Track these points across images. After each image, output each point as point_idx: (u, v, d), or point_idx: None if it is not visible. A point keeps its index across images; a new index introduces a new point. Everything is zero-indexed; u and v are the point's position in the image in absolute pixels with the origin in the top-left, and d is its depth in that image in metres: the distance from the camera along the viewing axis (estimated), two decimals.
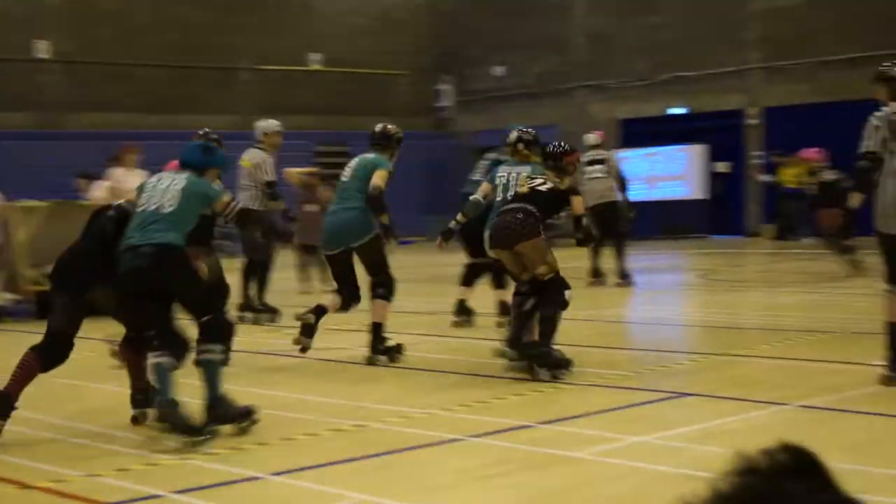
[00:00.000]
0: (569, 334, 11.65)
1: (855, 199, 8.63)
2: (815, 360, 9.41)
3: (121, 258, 7.16)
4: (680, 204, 30.61)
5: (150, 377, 7.28)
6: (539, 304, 9.23)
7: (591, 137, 17.66)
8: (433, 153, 35.41)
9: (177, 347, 7.07)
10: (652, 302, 15.94)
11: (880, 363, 8.56)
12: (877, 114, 8.55)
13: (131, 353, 7.75)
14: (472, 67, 36.48)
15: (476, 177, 12.59)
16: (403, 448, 6.72)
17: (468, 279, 12.83)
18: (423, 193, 34.64)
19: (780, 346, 10.30)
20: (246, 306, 13.90)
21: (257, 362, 10.57)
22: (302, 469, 6.29)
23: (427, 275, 21.42)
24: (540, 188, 9.39)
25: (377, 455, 6.58)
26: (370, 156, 10.50)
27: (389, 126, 10.98)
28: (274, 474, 6.21)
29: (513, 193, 9.88)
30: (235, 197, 9.06)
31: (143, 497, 5.83)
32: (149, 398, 7.53)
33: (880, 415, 7.18)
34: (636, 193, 26.92)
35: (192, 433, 6.87)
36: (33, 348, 7.33)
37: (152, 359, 7.10)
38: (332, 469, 6.31)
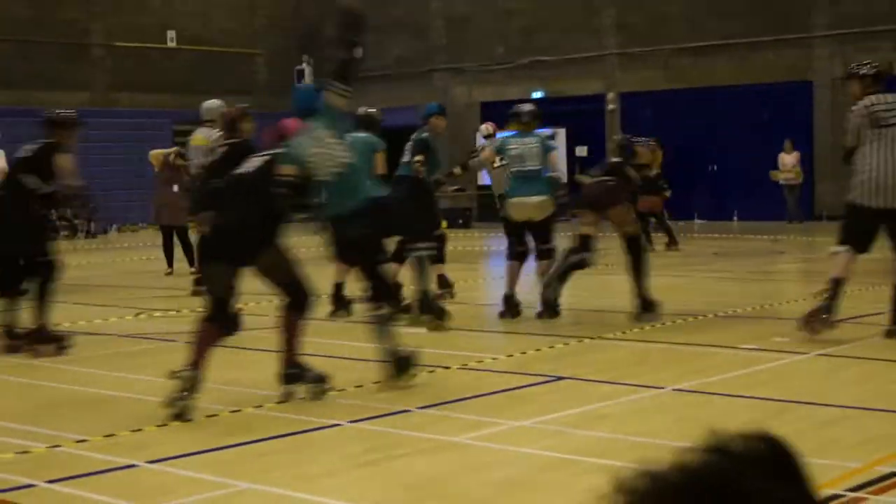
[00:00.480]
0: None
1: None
2: (686, 344, 9.51)
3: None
4: None
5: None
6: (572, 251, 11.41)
7: (485, 128, 17.48)
8: None
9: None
10: (523, 284, 15.97)
11: (750, 347, 8.73)
12: (854, 108, 10.03)
13: (291, 319, 7.82)
14: (331, 48, 36.24)
15: (405, 158, 12.56)
16: (282, 434, 6.60)
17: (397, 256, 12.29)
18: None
19: (651, 329, 10.40)
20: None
21: (122, 347, 10.31)
22: (178, 456, 6.13)
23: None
24: (623, 167, 11.53)
25: (255, 441, 6.45)
26: None
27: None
28: (149, 462, 6.04)
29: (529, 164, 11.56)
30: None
31: (15, 487, 5.61)
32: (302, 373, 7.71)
33: (750, 398, 7.28)
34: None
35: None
36: (209, 319, 7.40)
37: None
38: (209, 456, 6.16)
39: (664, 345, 9.51)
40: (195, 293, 13.17)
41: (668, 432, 6.29)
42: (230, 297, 7.45)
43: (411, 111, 34.52)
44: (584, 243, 11.41)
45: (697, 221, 28.34)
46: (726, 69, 29.04)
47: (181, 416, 6.98)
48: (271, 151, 7.97)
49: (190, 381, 7.08)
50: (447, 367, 8.59)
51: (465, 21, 33.40)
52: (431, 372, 8.43)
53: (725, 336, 9.84)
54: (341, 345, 9.85)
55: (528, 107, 12.34)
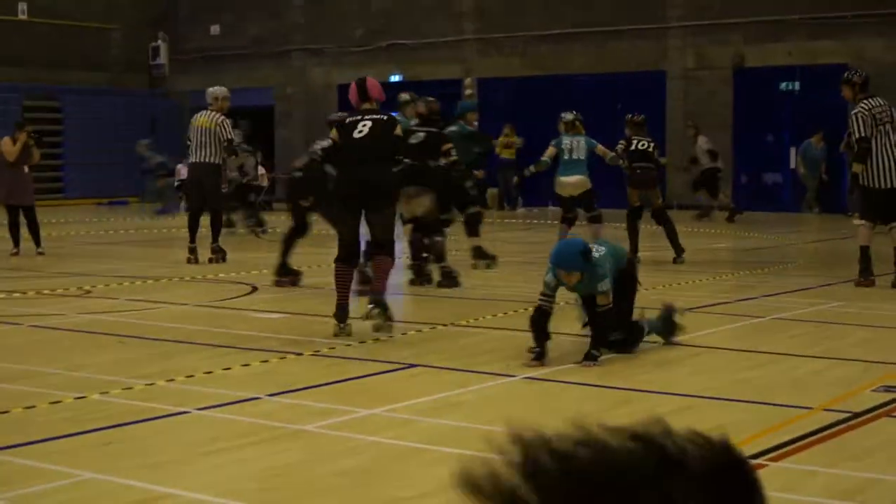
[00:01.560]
0: (292, 304, 11.56)
1: (857, 168, 12.69)
2: None
3: None
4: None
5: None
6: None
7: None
8: (147, 111, 34.49)
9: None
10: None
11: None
12: (857, 109, 12.68)
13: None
14: (187, 26, 35.66)
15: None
16: (127, 422, 6.46)
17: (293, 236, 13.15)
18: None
19: (504, 317, 10.45)
20: None
21: None
22: (20, 445, 5.96)
23: (145, 237, 20.83)
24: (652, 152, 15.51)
25: (100, 429, 6.31)
26: None
27: None
28: None
29: (576, 156, 15.07)
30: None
31: None
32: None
33: (599, 386, 7.36)
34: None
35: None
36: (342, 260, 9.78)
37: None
38: (52, 444, 6.00)
39: (515, 332, 9.55)
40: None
41: (519, 421, 6.30)
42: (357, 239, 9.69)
43: (268, 92, 34.27)
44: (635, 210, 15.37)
45: (551, 208, 28.61)
46: (583, 57, 29.38)
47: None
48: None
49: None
50: (299, 354, 8.52)
51: (324, 1, 33.18)
52: (282, 358, 8.35)
53: (576, 325, 9.92)
54: (203, 329, 9.71)
55: (571, 115, 15.62)
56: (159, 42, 35.32)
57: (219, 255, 15.74)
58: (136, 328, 9.92)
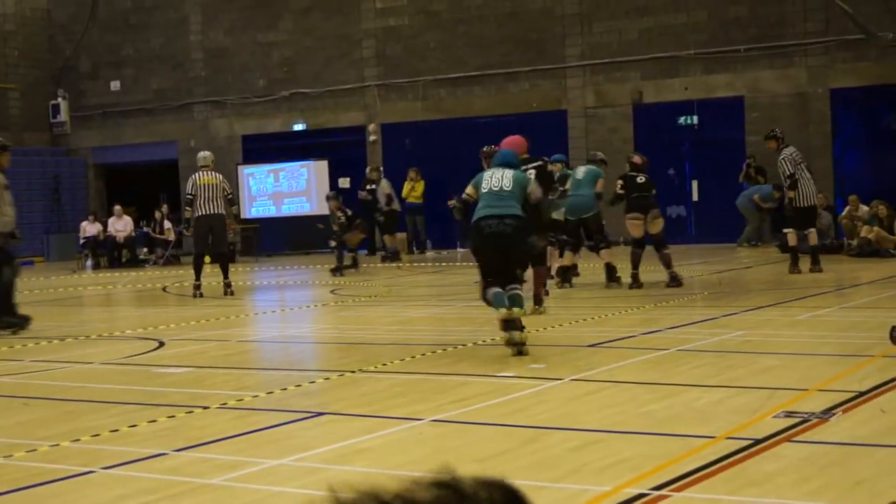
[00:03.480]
0: (199, 357, 11.49)
1: (791, 194, 18.30)
2: (445, 374, 9.62)
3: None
4: (306, 219, 30.76)
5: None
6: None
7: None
8: (50, 170, 34.12)
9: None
10: (283, 319, 15.93)
11: (508, 374, 8.91)
12: (785, 155, 18.19)
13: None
14: (87, 81, 35.39)
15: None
16: (30, 484, 6.37)
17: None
18: (43, 212, 33.33)
19: (412, 361, 10.47)
20: None
21: None
22: None
23: (51, 297, 20.56)
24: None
25: (4, 493, 6.21)
26: None
27: None
28: None
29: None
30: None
31: None
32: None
33: (506, 426, 7.40)
34: (263, 210, 26.93)
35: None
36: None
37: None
38: None
39: (424, 375, 9.59)
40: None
41: (425, 463, 6.33)
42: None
43: (172, 146, 34.11)
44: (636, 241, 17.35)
45: (460, 250, 28.73)
46: (484, 100, 29.64)
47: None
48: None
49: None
50: (206, 407, 8.45)
51: (225, 53, 33.14)
52: (189, 412, 8.28)
53: (485, 365, 9.99)
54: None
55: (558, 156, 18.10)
56: (59, 99, 35.01)
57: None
58: (42, 389, 9.79)
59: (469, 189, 11.65)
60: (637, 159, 17.91)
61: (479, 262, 11.27)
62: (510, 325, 10.58)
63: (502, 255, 10.90)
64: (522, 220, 10.99)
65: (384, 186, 27.84)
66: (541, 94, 29.14)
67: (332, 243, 23.08)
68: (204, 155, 19.37)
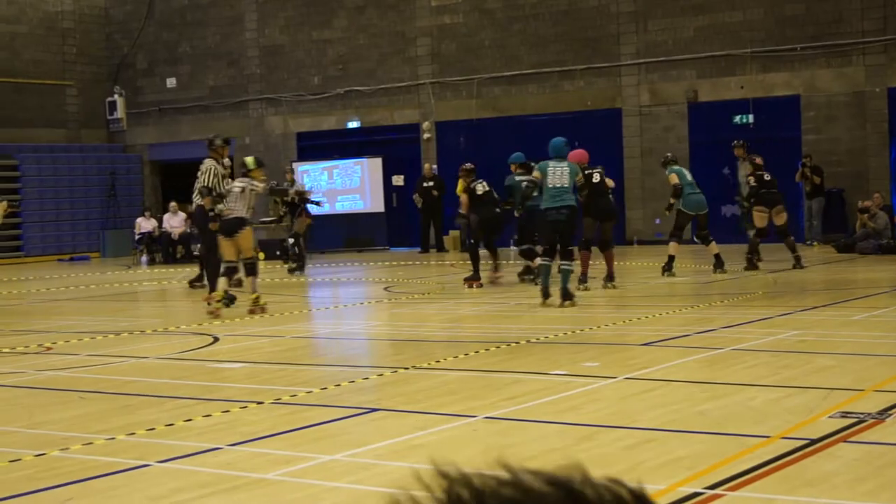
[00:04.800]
0: (253, 352, 11.57)
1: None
2: (498, 371, 9.62)
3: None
4: (360, 217, 30.86)
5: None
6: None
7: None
8: (106, 166, 34.43)
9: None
10: (337, 316, 15.99)
11: (561, 372, 8.92)
12: (754, 164, 20.05)
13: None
14: (144, 78, 35.66)
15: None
16: (87, 477, 6.44)
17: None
18: (99, 208, 33.64)
19: (464, 358, 10.48)
20: None
21: None
22: None
23: (106, 292, 20.75)
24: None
25: (60, 486, 6.28)
26: None
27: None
28: None
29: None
30: None
31: None
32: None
33: (560, 423, 7.39)
34: (317, 207, 27.00)
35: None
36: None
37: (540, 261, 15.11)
38: (11, 502, 5.97)
39: (478, 373, 9.59)
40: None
41: (479, 461, 6.32)
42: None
43: (231, 143, 34.25)
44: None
45: (513, 248, 28.65)
46: (538, 98, 29.58)
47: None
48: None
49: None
50: (260, 403, 8.50)
51: (280, 50, 33.29)
52: (244, 408, 8.33)
53: (537, 362, 9.98)
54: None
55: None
56: (116, 96, 35.30)
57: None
58: (97, 383, 9.89)
59: (535, 173, 15.41)
60: (759, 160, 20.08)
61: (543, 242, 15.42)
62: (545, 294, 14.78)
63: (561, 237, 14.84)
64: (575, 209, 15.09)
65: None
66: (595, 93, 29.05)
67: (290, 240, 23.27)
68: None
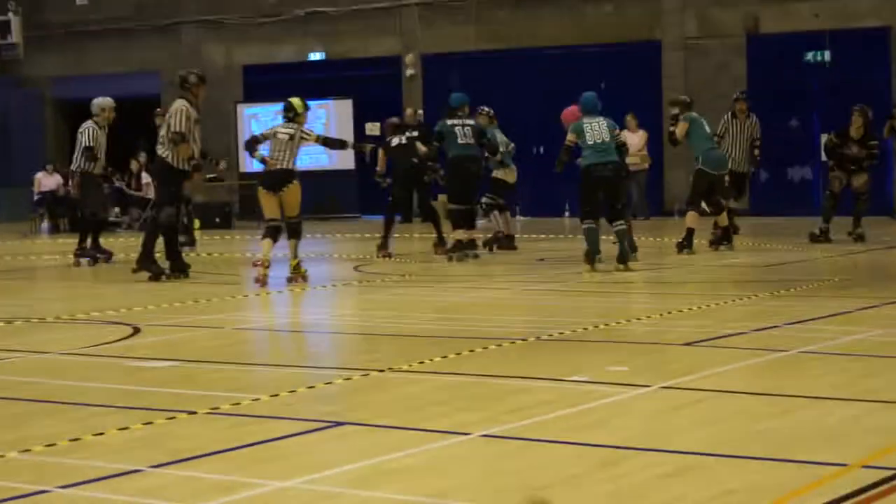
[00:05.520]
0: (185, 348, 11.55)
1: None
2: (500, 376, 9.60)
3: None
4: (324, 176, 30.76)
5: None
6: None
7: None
8: None
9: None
10: (292, 302, 15.97)
11: (580, 379, 8.88)
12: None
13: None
14: None
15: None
16: None
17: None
18: None
19: (457, 358, 10.46)
20: None
21: None
22: None
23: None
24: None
25: None
26: None
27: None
28: None
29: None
30: None
31: None
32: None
33: (577, 444, 7.38)
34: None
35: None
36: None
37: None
38: None
39: (473, 378, 9.58)
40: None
41: (475, 490, 6.33)
42: None
43: (153, 77, 34.20)
44: None
45: (520, 218, 28.72)
46: (554, 26, 29.53)
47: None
48: None
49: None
50: (192, 413, 8.48)
51: None
52: (171, 418, 8.31)
53: (550, 365, 9.96)
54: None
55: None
56: (9, 15, 35.17)
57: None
58: None
59: (570, 136, 17.65)
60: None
61: (586, 200, 17.65)
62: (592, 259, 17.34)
63: (607, 194, 17.54)
64: (620, 166, 17.93)
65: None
66: (627, 20, 29.03)
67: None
68: (96, 101, 21.02)
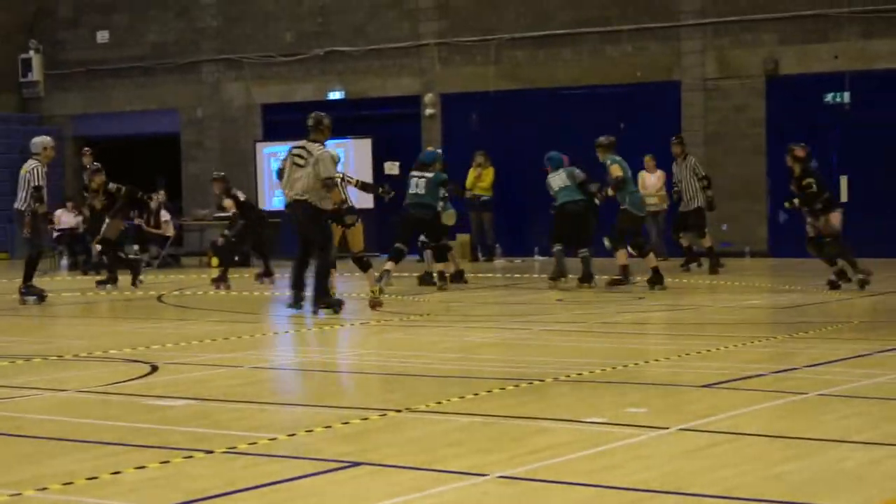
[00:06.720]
0: (202, 386, 11.56)
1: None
2: (518, 417, 9.60)
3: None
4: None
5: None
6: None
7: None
8: (17, 143, 34.42)
9: None
10: (310, 341, 15.97)
11: (599, 420, 8.87)
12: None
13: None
14: (68, 30, 35.69)
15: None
16: None
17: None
18: (6, 196, 33.61)
19: (475, 399, 10.46)
20: None
21: None
22: None
23: (15, 304, 20.75)
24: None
25: None
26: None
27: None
28: None
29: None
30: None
31: None
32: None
33: (596, 486, 7.37)
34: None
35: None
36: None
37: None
38: None
39: (491, 418, 9.56)
40: None
41: None
42: None
43: (173, 115, 34.33)
44: None
45: (537, 258, 28.68)
46: (573, 66, 29.56)
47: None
48: None
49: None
50: (210, 452, 8.49)
51: None
52: (188, 458, 8.31)
53: (568, 406, 9.95)
54: None
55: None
56: (31, 53, 35.33)
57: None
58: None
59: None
60: (801, 151, 20.56)
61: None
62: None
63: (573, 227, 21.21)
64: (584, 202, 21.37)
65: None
66: (647, 61, 29.05)
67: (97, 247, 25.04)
68: (36, 140, 21.26)
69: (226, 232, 23.78)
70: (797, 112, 27.65)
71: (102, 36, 35.29)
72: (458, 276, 22.76)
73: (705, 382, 11.07)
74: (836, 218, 19.90)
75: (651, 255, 20.89)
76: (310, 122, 18.07)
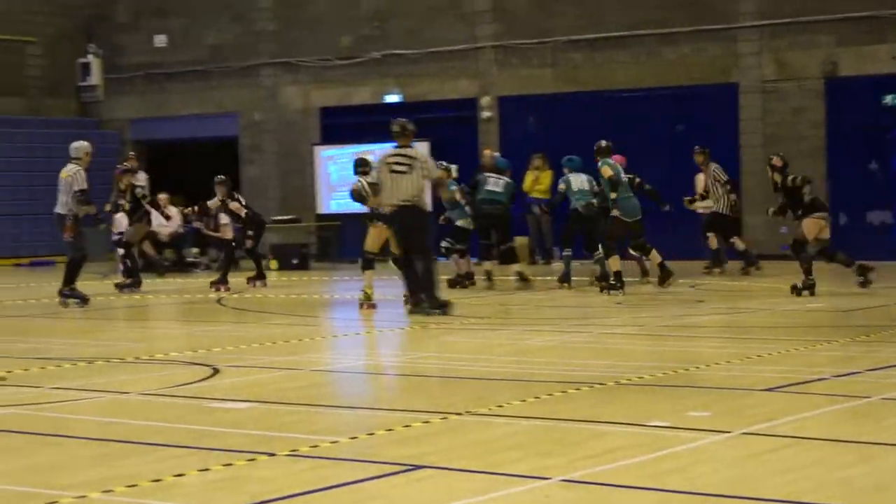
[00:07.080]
0: (263, 389, 11.59)
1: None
2: (578, 420, 9.58)
3: None
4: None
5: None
6: None
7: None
8: None
9: None
10: (370, 344, 16.00)
11: (660, 424, 8.83)
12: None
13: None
14: (126, 35, 35.86)
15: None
16: None
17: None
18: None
19: (535, 402, 10.46)
20: None
21: None
22: None
23: (76, 307, 20.87)
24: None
25: None
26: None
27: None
28: None
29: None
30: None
31: None
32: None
33: (658, 490, 7.35)
34: (346, 204, 27.07)
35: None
36: None
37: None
38: None
39: (551, 422, 9.56)
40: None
41: None
42: None
43: (231, 119, 34.45)
44: None
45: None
46: (630, 68, 29.49)
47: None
48: None
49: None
50: (272, 454, 8.51)
51: (300, 2, 33.36)
52: (251, 460, 8.34)
53: (629, 410, 9.93)
54: None
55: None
56: (90, 57, 35.52)
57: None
58: (63, 424, 9.92)
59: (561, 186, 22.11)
60: (778, 160, 20.58)
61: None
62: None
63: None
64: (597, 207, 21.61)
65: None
66: (704, 63, 28.94)
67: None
68: (76, 146, 21.35)
69: (249, 233, 23.92)
70: (855, 114, 27.48)
71: (160, 40, 35.44)
72: (521, 278, 22.92)
73: (767, 386, 11.02)
74: (810, 224, 19.75)
75: (654, 252, 21.15)
76: (395, 128, 18.12)
